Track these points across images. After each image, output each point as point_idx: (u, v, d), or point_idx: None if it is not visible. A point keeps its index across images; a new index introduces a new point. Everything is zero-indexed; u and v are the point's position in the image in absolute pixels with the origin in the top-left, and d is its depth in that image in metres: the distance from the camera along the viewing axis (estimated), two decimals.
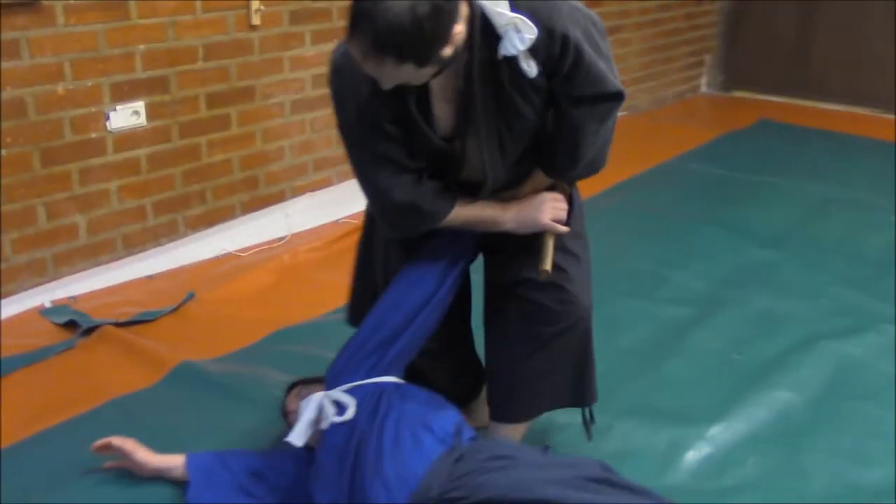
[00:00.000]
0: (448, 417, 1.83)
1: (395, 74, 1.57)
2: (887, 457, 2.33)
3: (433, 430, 1.76)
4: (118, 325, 2.90)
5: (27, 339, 2.85)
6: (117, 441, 2.09)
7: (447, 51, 1.58)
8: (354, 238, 3.63)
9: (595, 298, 2.11)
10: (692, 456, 2.31)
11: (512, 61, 1.68)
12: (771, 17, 6.25)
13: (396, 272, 2.02)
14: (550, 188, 1.99)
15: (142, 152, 3.22)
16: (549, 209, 1.93)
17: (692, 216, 4.01)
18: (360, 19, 1.50)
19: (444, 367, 2.22)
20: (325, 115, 3.84)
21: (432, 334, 2.04)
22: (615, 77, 1.78)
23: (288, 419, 2.15)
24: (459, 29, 1.59)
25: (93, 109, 3.03)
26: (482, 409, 2.29)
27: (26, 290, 3.03)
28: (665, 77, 6.06)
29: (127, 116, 3.13)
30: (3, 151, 2.85)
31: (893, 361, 2.78)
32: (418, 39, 1.50)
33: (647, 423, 2.43)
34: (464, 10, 1.62)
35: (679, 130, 5.49)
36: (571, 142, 1.83)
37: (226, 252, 3.53)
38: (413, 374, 2.07)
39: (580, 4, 1.76)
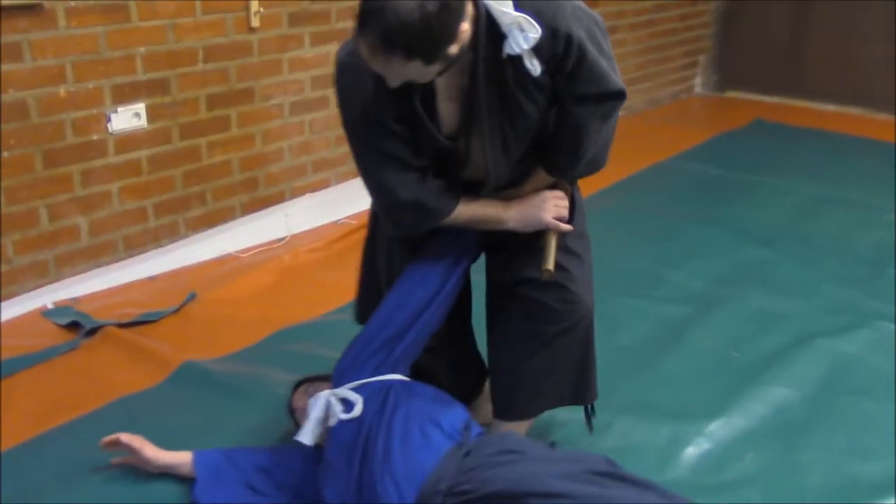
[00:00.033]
0: (456, 414, 1.86)
1: (402, 72, 1.59)
2: (883, 450, 2.37)
3: (442, 426, 1.79)
4: (121, 325, 2.92)
5: (30, 340, 2.86)
6: (125, 437, 2.10)
7: (454, 49, 1.60)
8: (354, 238, 3.72)
9: (594, 297, 2.14)
10: (691, 451, 2.35)
11: (516, 60, 1.70)
12: (764, 17, 6.29)
13: (400, 271, 2.04)
14: (552, 187, 2.01)
15: (142, 154, 3.24)
16: (552, 207, 1.96)
17: (688, 216, 4.04)
18: (370, 16, 1.52)
19: (446, 365, 2.25)
20: (324, 116, 3.87)
21: (434, 332, 2.07)
22: (617, 76, 1.81)
23: (294, 416, 2.18)
24: (466, 27, 1.62)
25: (94, 111, 3.05)
26: (484, 406, 2.32)
27: (28, 291, 3.05)
28: (660, 77, 6.10)
29: (128, 118, 3.15)
30: (6, 153, 2.86)
31: (887, 358, 2.82)
32: (426, 37, 1.53)
33: (646, 420, 2.46)
34: (469, 9, 1.64)
35: (674, 131, 5.53)
36: (574, 140, 1.86)
37: (226, 253, 3.55)
38: (416, 372, 2.10)
39: (583, 4, 1.79)
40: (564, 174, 1.98)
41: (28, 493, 2.12)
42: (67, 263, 3.13)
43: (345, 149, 3.93)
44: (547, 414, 2.29)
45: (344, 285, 3.25)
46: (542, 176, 1.99)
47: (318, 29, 3.71)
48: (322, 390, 2.01)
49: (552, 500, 1.53)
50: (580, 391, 2.19)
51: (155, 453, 2.11)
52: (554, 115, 1.87)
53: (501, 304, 2.13)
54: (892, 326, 3.00)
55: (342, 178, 4.04)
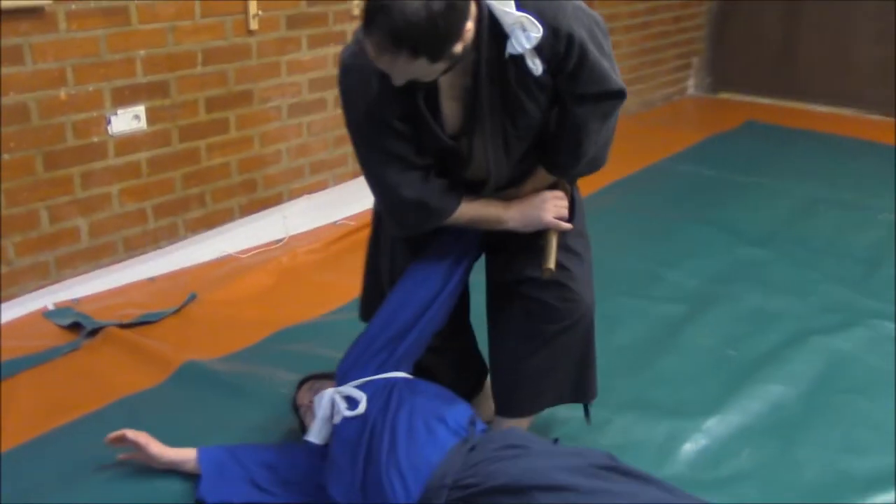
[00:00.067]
0: (460, 410, 1.89)
1: (408, 69, 1.61)
2: (878, 447, 2.40)
3: (447, 422, 1.81)
4: (122, 326, 2.94)
5: (31, 341, 2.88)
6: (131, 434, 2.11)
7: (458, 48, 1.62)
8: (351, 240, 3.74)
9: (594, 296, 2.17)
10: (689, 448, 2.37)
11: (518, 59, 1.73)
12: (757, 19, 6.33)
13: (403, 270, 2.06)
14: (551, 187, 2.04)
15: (142, 156, 3.26)
16: (552, 207, 1.98)
17: (683, 216, 4.07)
18: (377, 14, 1.54)
19: (447, 364, 2.27)
20: (322, 118, 3.89)
21: (436, 331, 2.09)
22: (617, 76, 1.83)
23: (299, 413, 2.20)
24: (470, 27, 1.64)
25: (94, 114, 3.07)
26: (485, 404, 2.34)
27: (29, 292, 3.06)
28: (653, 80, 6.14)
29: (128, 121, 3.17)
30: (6, 156, 2.88)
31: (882, 355, 2.85)
32: (432, 35, 1.55)
33: (644, 417, 2.49)
34: (473, 9, 1.66)
35: (667, 132, 5.56)
36: (574, 139, 1.88)
37: (225, 254, 3.56)
38: (417, 371, 2.12)
39: (583, 4, 1.81)
40: (565, 173, 2.00)
41: (29, 494, 2.14)
42: (68, 265, 3.14)
43: (342, 151, 4.00)
44: (547, 412, 2.32)
45: (342, 286, 3.30)
46: (542, 175, 2.01)
47: (315, 32, 3.73)
48: (326, 388, 2.03)
49: (556, 493, 1.56)
50: (581, 389, 2.22)
51: (160, 450, 2.12)
52: (555, 115, 1.89)
53: (502, 304, 2.15)
54: (888, 324, 3.04)
55: (339, 180, 4.07)
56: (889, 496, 2.20)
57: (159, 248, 3.41)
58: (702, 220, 4.01)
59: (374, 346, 2.02)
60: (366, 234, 3.70)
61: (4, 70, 2.79)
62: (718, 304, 3.18)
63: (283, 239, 3.74)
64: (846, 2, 5.93)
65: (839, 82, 6.07)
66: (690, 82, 6.65)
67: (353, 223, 3.90)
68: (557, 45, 1.72)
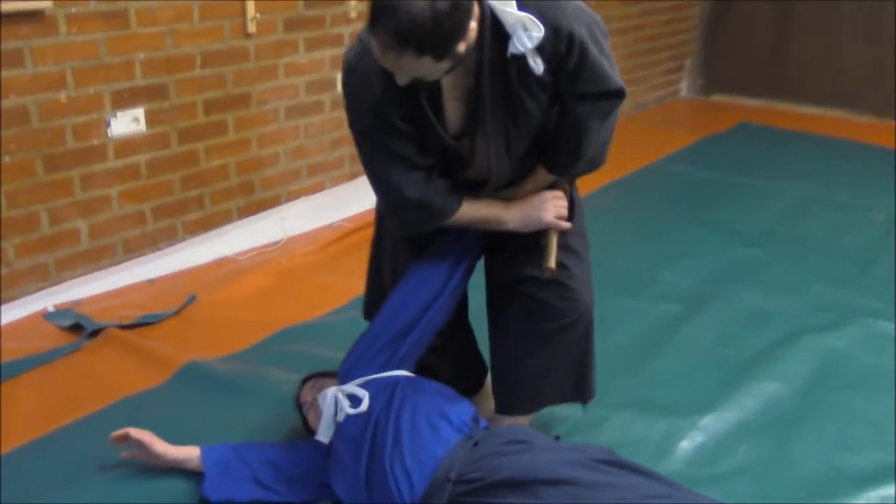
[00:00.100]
0: (464, 408, 1.91)
1: (412, 68, 1.63)
2: (871, 443, 2.43)
3: (450, 419, 1.84)
4: (122, 327, 2.96)
5: (31, 342, 2.89)
6: (134, 432, 2.13)
7: (462, 47, 1.64)
8: (348, 241, 3.77)
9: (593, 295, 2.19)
10: (686, 445, 2.41)
11: (520, 59, 1.75)
12: (748, 21, 6.38)
13: (405, 270, 2.09)
14: (550, 186, 2.06)
15: (141, 158, 3.28)
16: (552, 207, 2.01)
17: (678, 217, 4.11)
18: (383, 13, 1.57)
19: (448, 363, 2.30)
20: (319, 120, 3.91)
21: (438, 331, 2.12)
22: (616, 75, 1.85)
23: (302, 410, 2.22)
24: (473, 26, 1.66)
25: (94, 116, 3.08)
26: (485, 402, 2.37)
27: (29, 294, 3.08)
28: (646, 82, 6.18)
29: (127, 123, 3.19)
30: (7, 158, 2.89)
31: (875, 353, 2.90)
32: (438, 34, 1.57)
33: (641, 415, 2.52)
34: (475, 9, 1.68)
35: (661, 134, 5.60)
36: (575, 138, 1.90)
37: (224, 256, 3.58)
38: (418, 371, 2.14)
39: (584, 4, 1.83)
40: (565, 172, 2.02)
41: (31, 495, 2.15)
42: (68, 267, 3.16)
43: (339, 153, 4.03)
44: (547, 410, 2.35)
45: (340, 287, 3.32)
46: (541, 174, 2.03)
47: (312, 35, 3.76)
48: (329, 386, 2.06)
49: (560, 486, 1.59)
50: (580, 388, 2.25)
51: (163, 448, 2.14)
52: (555, 114, 1.92)
53: (502, 303, 2.17)
54: (880, 323, 3.08)
55: (336, 182, 4.09)
56: (883, 491, 2.24)
57: (158, 249, 3.43)
58: (696, 221, 4.05)
59: (376, 344, 2.05)
60: (362, 235, 3.78)
61: (5, 73, 2.81)
62: (714, 304, 3.21)
63: (281, 240, 3.76)
64: (837, 3, 5.97)
65: (831, 84, 6.12)
66: (683, 84, 6.69)
67: (349, 225, 3.92)
68: (558, 45, 1.74)
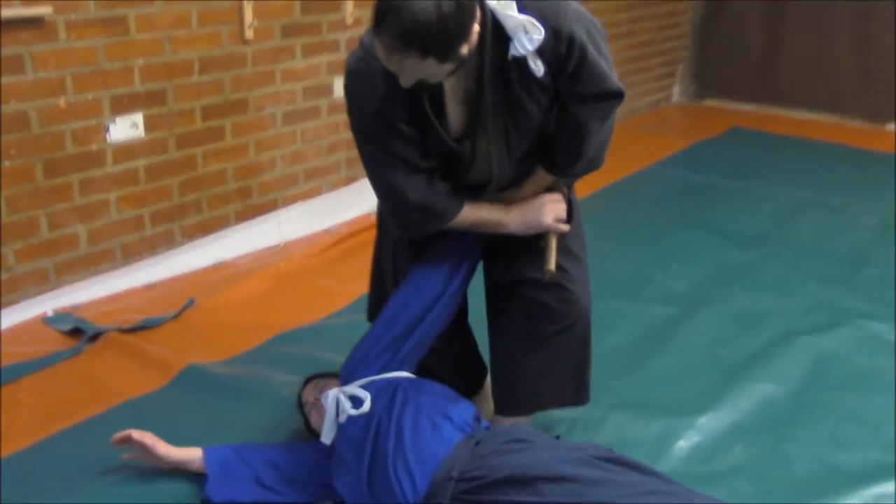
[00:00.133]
0: (465, 408, 1.94)
1: (416, 70, 1.65)
2: (864, 441, 2.47)
3: (452, 419, 1.86)
4: (122, 331, 2.97)
5: (31, 346, 2.90)
6: (137, 434, 2.14)
7: (465, 49, 1.66)
8: (345, 246, 3.80)
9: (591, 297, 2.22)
10: (683, 444, 2.44)
11: (520, 61, 1.77)
12: (739, 26, 6.43)
13: (406, 272, 2.11)
14: (549, 189, 2.09)
15: (140, 163, 3.30)
16: (551, 210, 2.03)
17: (672, 220, 4.15)
18: (388, 14, 1.58)
19: (448, 365, 2.32)
20: (316, 126, 3.94)
21: (439, 333, 2.15)
22: (615, 77, 1.88)
23: (304, 410, 2.24)
24: (476, 28, 1.68)
25: (93, 122, 3.10)
26: (484, 404, 2.39)
27: (29, 298, 3.09)
28: (638, 87, 6.22)
29: (126, 129, 3.20)
30: (7, 163, 2.91)
31: (868, 353, 2.94)
32: (443, 36, 1.59)
33: (638, 415, 2.55)
34: (477, 11, 1.70)
35: (654, 139, 5.64)
36: (574, 139, 1.92)
37: (222, 260, 3.60)
38: (419, 371, 2.17)
39: (582, 7, 1.86)
40: (564, 172, 2.04)
41: (31, 498, 2.16)
42: (67, 271, 3.17)
43: (335, 158, 4.06)
44: (543, 413, 2.37)
45: (338, 291, 3.34)
46: (541, 175, 2.05)
47: (309, 41, 3.78)
48: (331, 386, 2.08)
49: (561, 483, 1.61)
50: (577, 390, 2.28)
51: (166, 450, 2.15)
52: (554, 115, 1.94)
53: (502, 305, 2.20)
54: (873, 324, 3.13)
55: (333, 187, 4.12)
56: (877, 490, 2.27)
57: (156, 254, 3.45)
58: (690, 225, 4.09)
59: (378, 346, 2.07)
60: (359, 239, 3.81)
61: (5, 79, 2.83)
62: (708, 306, 3.25)
63: (279, 245, 3.78)
64: (828, 8, 6.02)
65: (822, 89, 6.18)
66: (675, 90, 6.74)
67: (346, 229, 3.95)
68: (559, 47, 1.77)
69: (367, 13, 3.96)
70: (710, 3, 6.52)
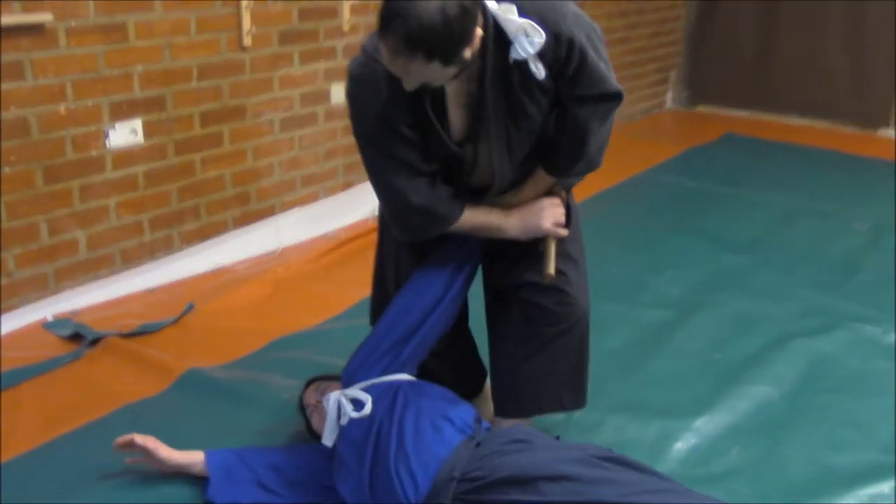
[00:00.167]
0: (466, 410, 1.96)
1: (421, 73, 1.67)
2: (858, 444, 2.50)
3: (453, 421, 1.88)
4: (122, 336, 2.98)
5: (31, 351, 2.91)
6: (139, 438, 2.15)
7: (468, 53, 1.69)
8: (343, 251, 3.82)
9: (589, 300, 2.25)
10: (680, 446, 2.46)
11: (522, 65, 1.80)
12: (732, 33, 6.47)
13: (408, 275, 2.13)
14: (548, 194, 2.11)
15: (139, 169, 3.31)
16: (550, 214, 2.05)
17: (666, 226, 4.18)
18: (393, 18, 1.60)
19: (449, 368, 2.34)
20: (313, 132, 3.96)
21: (440, 336, 2.17)
22: (613, 79, 1.91)
23: (305, 413, 2.26)
24: (479, 32, 1.70)
25: (93, 128, 3.12)
26: (484, 406, 2.41)
27: (29, 304, 3.10)
28: (632, 94, 6.25)
29: (125, 135, 3.22)
30: (7, 169, 2.92)
31: (861, 356, 2.97)
32: (448, 39, 1.61)
33: (636, 418, 2.57)
34: (479, 15, 1.72)
35: (648, 145, 5.67)
36: (575, 140, 1.95)
37: (221, 266, 3.62)
38: (420, 374, 2.19)
39: (581, 11, 1.88)
40: (564, 173, 2.06)
41: (40, 499, 2.17)
42: (67, 276, 3.19)
43: (332, 164, 4.08)
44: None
45: (336, 296, 3.36)
46: (541, 177, 2.08)
47: (306, 47, 3.81)
48: (332, 389, 2.10)
49: (561, 483, 1.63)
50: (576, 395, 2.30)
51: (168, 454, 2.17)
52: (554, 117, 1.97)
53: (501, 309, 2.22)
54: (866, 327, 3.15)
55: (330, 192, 4.14)
56: (872, 490, 2.30)
57: (155, 259, 3.46)
58: (684, 230, 4.12)
59: (379, 349, 2.09)
60: (357, 245, 3.83)
61: (6, 85, 2.84)
62: (703, 310, 3.28)
63: (277, 250, 3.80)
64: (821, 15, 6.07)
65: (815, 95, 6.22)
66: (668, 96, 6.78)
67: (344, 235, 3.97)
68: (559, 50, 1.79)
69: (363, 20, 3.99)
70: (703, 9, 6.57)
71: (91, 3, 2.99)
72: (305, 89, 3.86)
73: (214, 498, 2.12)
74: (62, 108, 3.01)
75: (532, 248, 2.10)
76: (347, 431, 1.98)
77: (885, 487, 2.30)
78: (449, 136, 1.90)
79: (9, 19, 2.78)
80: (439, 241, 2.10)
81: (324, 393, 2.15)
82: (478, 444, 1.82)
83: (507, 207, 2.08)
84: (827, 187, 4.87)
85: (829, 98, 6.18)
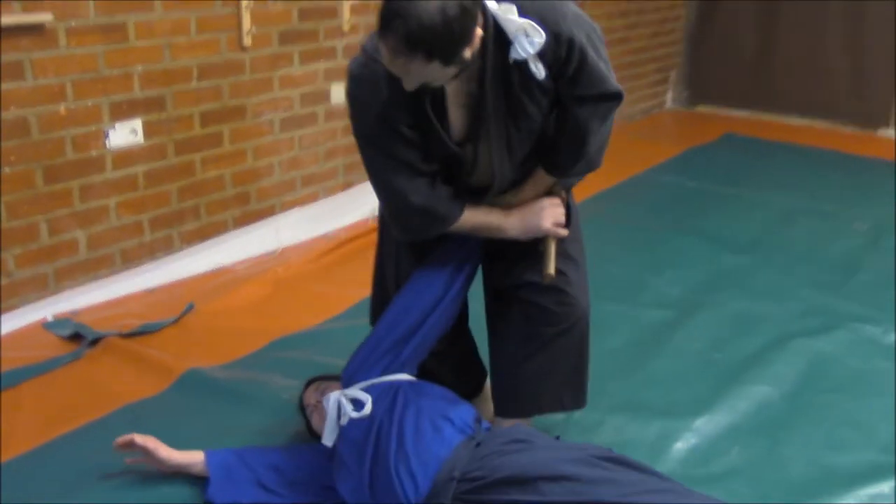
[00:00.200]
0: (466, 410, 1.96)
1: (421, 73, 1.67)
2: (858, 443, 2.50)
3: (453, 421, 1.88)
4: (122, 336, 2.98)
5: (31, 351, 2.91)
6: (139, 438, 2.16)
7: (468, 53, 1.69)
8: (342, 251, 3.82)
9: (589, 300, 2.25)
10: (680, 446, 2.46)
11: (522, 65, 1.80)
12: (732, 33, 6.47)
13: (408, 276, 2.14)
14: (548, 194, 2.11)
15: (139, 169, 3.31)
16: (549, 214, 2.05)
17: (666, 226, 4.18)
18: (393, 18, 1.60)
19: (449, 368, 2.34)
20: (313, 132, 3.96)
21: (440, 336, 2.17)
22: (613, 79, 1.91)
23: (306, 412, 2.26)
24: (479, 32, 1.71)
25: (93, 128, 3.12)
26: (484, 406, 2.41)
27: (29, 304, 3.10)
28: (632, 94, 6.25)
29: (125, 135, 3.22)
30: (7, 169, 2.92)
31: (861, 356, 2.97)
32: (448, 40, 1.61)
33: (636, 418, 2.57)
34: (479, 16, 1.72)
35: (648, 145, 5.67)
36: (575, 140, 1.95)
37: (221, 266, 3.62)
38: (420, 374, 2.19)
39: (581, 11, 1.89)
40: (564, 173, 2.06)
41: (40, 499, 2.17)
42: (67, 276, 3.19)
43: (332, 164, 4.08)
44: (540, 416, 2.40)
45: (336, 296, 3.36)
46: (541, 177, 2.08)
47: (306, 48, 3.81)
48: (332, 388, 2.10)
49: (561, 482, 1.63)
50: (576, 395, 2.30)
51: (168, 454, 2.17)
52: (554, 118, 1.97)
53: (501, 309, 2.22)
54: (866, 327, 3.16)
55: (330, 193, 4.14)
56: (871, 490, 2.30)
57: (155, 259, 3.46)
58: (684, 230, 4.12)
59: (379, 349, 2.09)
60: (356, 245, 3.84)
61: (6, 85, 2.85)
62: (703, 310, 3.28)
63: (277, 250, 3.80)
64: (821, 15, 6.07)
65: (815, 95, 6.22)
66: (668, 96, 6.78)
67: (343, 235, 3.97)
68: (559, 50, 1.80)
69: (363, 20, 3.99)
70: (703, 9, 6.57)
71: (91, 3, 2.99)
72: (305, 89, 3.86)
73: (214, 498, 2.12)
74: (62, 108, 3.02)
75: (532, 248, 2.10)
76: (347, 431, 1.99)
77: (885, 487, 2.30)
78: (449, 136, 1.90)
79: (9, 19, 2.78)
80: (439, 242, 2.10)
81: (324, 393, 2.15)
82: (478, 444, 1.82)
83: (507, 207, 2.08)
84: (827, 187, 4.87)
85: (829, 98, 6.18)
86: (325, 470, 2.07)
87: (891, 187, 4.79)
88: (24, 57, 2.87)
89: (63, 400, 2.66)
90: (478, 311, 2.35)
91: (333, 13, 3.87)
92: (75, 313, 3.17)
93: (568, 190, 2.17)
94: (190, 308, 3.21)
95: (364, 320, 2.45)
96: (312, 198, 4.06)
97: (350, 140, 4.08)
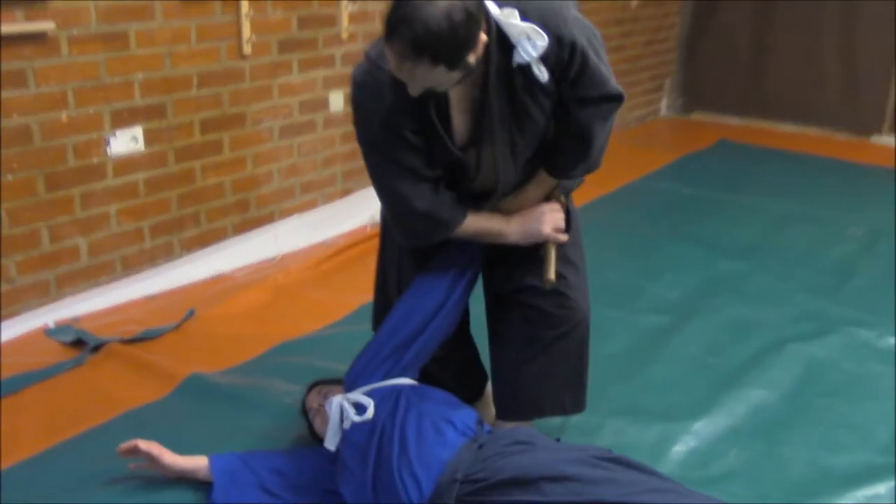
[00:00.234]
0: (468, 413, 1.98)
1: (426, 78, 1.69)
2: (854, 445, 2.53)
3: (455, 424, 1.90)
4: (124, 342, 3.00)
5: (32, 358, 2.92)
6: (143, 444, 2.17)
7: (472, 57, 1.71)
8: (341, 258, 3.84)
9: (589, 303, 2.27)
10: (679, 449, 2.49)
11: (525, 68, 1.82)
12: (727, 41, 6.52)
13: (410, 281, 2.15)
14: (547, 199, 2.13)
15: (140, 176, 3.33)
16: (550, 220, 2.08)
17: (663, 232, 4.21)
18: (399, 23, 1.62)
19: (450, 373, 2.36)
20: (311, 140, 3.99)
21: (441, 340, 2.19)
22: (614, 81, 1.94)
23: (308, 416, 2.27)
24: (483, 37, 1.73)
25: (94, 136, 3.14)
26: (485, 409, 2.43)
27: (30, 310, 3.11)
28: (628, 101, 6.16)
29: (126, 142, 3.24)
30: (9, 177, 2.94)
31: (856, 360, 3.00)
32: (453, 45, 1.64)
33: (635, 421, 2.60)
34: (483, 21, 1.74)
35: (643, 152, 5.71)
36: (577, 141, 1.98)
37: (220, 272, 3.64)
38: (422, 378, 2.20)
39: (581, 16, 1.91)
40: (566, 174, 2.08)
41: None
42: (68, 283, 3.20)
43: (331, 171, 4.10)
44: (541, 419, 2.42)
45: (336, 302, 3.38)
46: (542, 179, 2.10)
47: (305, 56, 3.84)
48: (334, 392, 2.12)
49: (563, 483, 1.65)
50: (576, 398, 2.32)
51: (172, 459, 2.18)
52: (555, 120, 1.99)
53: (502, 313, 2.24)
54: (861, 331, 3.18)
55: (329, 200, 4.17)
56: (868, 491, 2.33)
57: (155, 266, 3.48)
58: (680, 237, 4.15)
59: (381, 354, 2.11)
60: (355, 252, 3.86)
61: (8, 93, 2.86)
62: (700, 315, 3.30)
63: (276, 257, 3.82)
64: (815, 24, 6.12)
65: (809, 102, 6.27)
66: (663, 103, 6.82)
67: (342, 242, 3.99)
68: (561, 53, 1.82)
69: (362, 28, 4.02)
70: (698, 17, 6.62)
71: (92, 11, 3.02)
72: (304, 97, 3.88)
73: (219, 501, 2.13)
74: (64, 116, 3.04)
75: (532, 253, 2.12)
76: (350, 435, 2.00)
77: (881, 488, 2.33)
78: (453, 142, 1.92)
79: (11, 28, 2.80)
80: (441, 247, 2.12)
81: (326, 397, 2.16)
82: (480, 447, 1.84)
83: (508, 213, 2.10)
84: (821, 193, 4.91)
85: (823, 105, 6.22)
86: (328, 473, 2.09)
87: (885, 193, 4.84)
88: (26, 65, 2.89)
89: (65, 406, 2.67)
90: (480, 316, 2.37)
91: (332, 21, 3.91)
92: (76, 320, 3.18)
93: (568, 195, 2.19)
94: (191, 314, 3.23)
95: (364, 326, 2.47)
96: (311, 205, 4.08)
97: (348, 147, 4.12)
